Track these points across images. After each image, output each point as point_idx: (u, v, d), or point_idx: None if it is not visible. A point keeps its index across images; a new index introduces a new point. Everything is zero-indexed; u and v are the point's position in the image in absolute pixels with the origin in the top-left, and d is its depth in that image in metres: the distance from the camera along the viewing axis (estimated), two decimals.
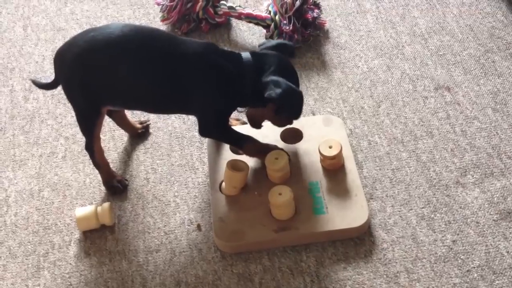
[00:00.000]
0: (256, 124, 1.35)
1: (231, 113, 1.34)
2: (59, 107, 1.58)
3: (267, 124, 1.46)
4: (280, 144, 1.40)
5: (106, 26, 1.29)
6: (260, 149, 1.33)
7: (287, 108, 1.27)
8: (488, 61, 1.60)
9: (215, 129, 1.31)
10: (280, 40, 1.43)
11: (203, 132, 1.30)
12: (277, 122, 1.35)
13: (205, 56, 1.25)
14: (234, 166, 1.30)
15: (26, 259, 1.30)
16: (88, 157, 1.39)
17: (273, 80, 1.22)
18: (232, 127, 1.37)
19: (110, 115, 1.45)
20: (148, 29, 1.35)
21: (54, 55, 1.31)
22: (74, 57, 1.25)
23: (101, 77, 1.24)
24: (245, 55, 1.28)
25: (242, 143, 1.32)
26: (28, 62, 1.73)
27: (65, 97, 1.34)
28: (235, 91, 1.26)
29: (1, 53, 1.78)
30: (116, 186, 1.38)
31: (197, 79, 1.24)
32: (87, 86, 1.26)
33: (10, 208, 1.39)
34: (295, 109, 1.28)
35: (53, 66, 1.33)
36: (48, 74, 1.67)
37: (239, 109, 1.41)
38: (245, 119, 1.41)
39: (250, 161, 1.34)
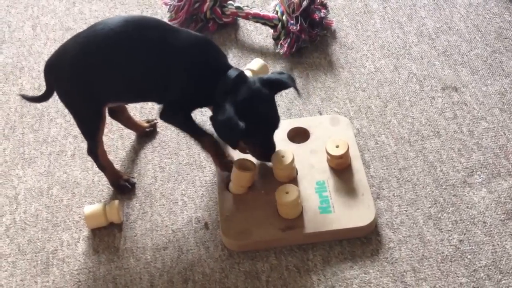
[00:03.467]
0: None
1: (196, 107, 1.32)
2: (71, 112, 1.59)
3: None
4: (287, 143, 1.41)
5: (96, 25, 1.28)
6: (216, 148, 1.32)
7: (223, 138, 1.25)
8: (495, 61, 1.60)
9: (179, 114, 1.29)
10: (281, 76, 1.29)
11: (166, 115, 1.29)
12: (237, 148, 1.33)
13: (192, 49, 1.24)
14: (241, 165, 1.30)
15: (35, 256, 1.31)
16: (94, 160, 1.39)
17: (226, 107, 1.20)
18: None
19: (115, 117, 1.46)
20: (139, 19, 1.32)
21: (44, 67, 1.30)
22: (69, 64, 1.25)
23: (99, 77, 1.25)
24: (232, 72, 1.24)
25: (201, 136, 1.30)
26: (37, 62, 1.74)
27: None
28: (204, 91, 1.25)
29: (11, 52, 1.79)
30: (123, 185, 1.39)
31: (178, 68, 1.23)
32: (86, 89, 1.26)
33: (19, 206, 1.41)
34: (227, 140, 1.26)
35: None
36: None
37: None
38: None
39: (258, 160, 1.35)
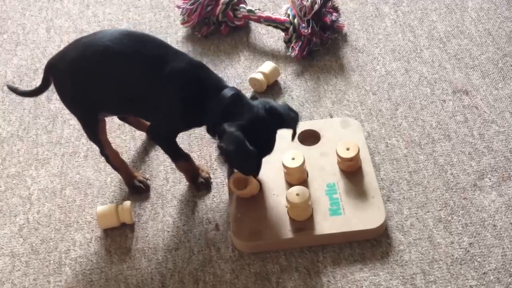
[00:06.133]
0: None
1: (184, 130, 1.37)
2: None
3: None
4: (298, 146, 1.41)
5: (97, 33, 1.29)
6: (191, 171, 1.37)
7: (237, 166, 1.25)
8: (506, 65, 1.60)
9: (162, 136, 1.32)
10: (288, 114, 1.24)
11: (152, 133, 1.33)
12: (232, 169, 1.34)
13: (184, 73, 1.23)
14: (238, 183, 1.31)
15: (48, 255, 1.33)
16: (106, 161, 1.41)
17: (232, 134, 1.16)
18: None
19: (124, 119, 1.49)
20: (137, 36, 1.29)
21: (45, 65, 1.32)
22: (66, 67, 1.27)
23: (93, 85, 1.26)
24: (226, 91, 1.21)
25: (177, 158, 1.35)
26: None
27: None
28: (195, 113, 1.24)
29: (25, 54, 1.81)
30: (138, 186, 1.40)
31: (169, 92, 1.23)
32: (81, 95, 1.27)
33: (33, 206, 1.42)
34: (246, 168, 1.24)
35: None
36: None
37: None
38: None
39: (269, 162, 1.36)
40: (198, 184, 1.39)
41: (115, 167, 1.41)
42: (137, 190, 1.41)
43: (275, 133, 1.23)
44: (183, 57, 1.26)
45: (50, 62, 1.31)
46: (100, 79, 1.25)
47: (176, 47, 1.74)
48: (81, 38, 1.31)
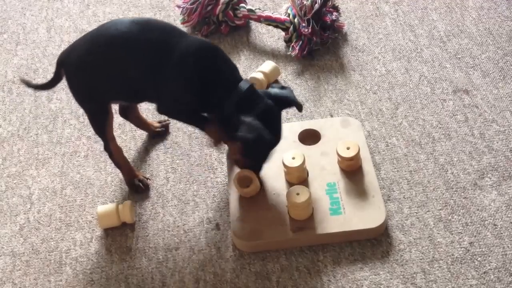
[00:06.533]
0: (238, 163, 1.33)
1: (196, 112, 1.30)
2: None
3: (285, 126, 1.48)
4: (298, 145, 1.41)
5: (104, 24, 1.30)
6: (219, 137, 1.29)
7: (254, 155, 1.26)
8: (506, 64, 1.60)
9: (177, 111, 1.29)
10: (287, 92, 1.30)
11: (164, 106, 1.28)
12: (240, 163, 1.32)
13: (198, 57, 1.23)
14: (241, 180, 1.30)
15: (48, 255, 1.33)
16: (109, 157, 1.42)
17: (251, 123, 1.20)
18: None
19: (126, 116, 1.48)
20: (146, 21, 1.29)
21: (57, 58, 1.33)
22: (75, 60, 1.28)
23: (102, 75, 1.27)
24: (243, 83, 1.24)
25: (205, 124, 1.28)
26: (52, 63, 1.76)
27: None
28: (209, 99, 1.23)
29: (25, 54, 1.82)
30: (137, 185, 1.41)
31: (180, 75, 1.22)
32: (91, 86, 1.29)
33: (33, 206, 1.43)
34: (261, 158, 1.27)
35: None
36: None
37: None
38: None
39: (269, 161, 1.36)
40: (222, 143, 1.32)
41: (117, 164, 1.41)
42: (136, 189, 1.41)
43: (281, 118, 1.28)
44: (195, 40, 1.28)
45: (61, 55, 1.32)
46: (108, 69, 1.26)
47: None
48: (90, 31, 1.32)
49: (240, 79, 1.26)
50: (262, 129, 1.21)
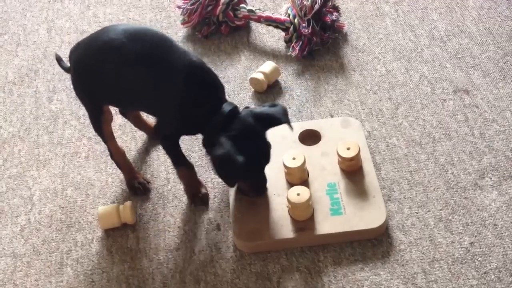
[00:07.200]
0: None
1: (185, 134, 1.36)
2: (82, 108, 1.61)
3: (285, 126, 1.48)
4: (299, 145, 1.42)
5: (104, 28, 1.33)
6: (191, 182, 1.35)
7: (226, 174, 1.22)
8: (507, 64, 1.60)
9: (163, 136, 1.32)
10: (275, 110, 1.26)
11: (156, 131, 1.35)
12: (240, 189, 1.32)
13: (186, 76, 1.23)
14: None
15: (49, 256, 1.33)
16: (109, 158, 1.42)
17: (222, 143, 1.18)
18: None
19: (125, 115, 1.50)
20: (138, 31, 1.29)
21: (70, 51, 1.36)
22: (75, 60, 1.32)
23: (94, 79, 1.29)
24: (226, 106, 1.24)
25: (179, 164, 1.33)
26: (52, 64, 1.76)
27: None
28: (195, 120, 1.24)
29: (26, 55, 1.82)
30: (136, 187, 1.41)
31: (172, 92, 1.23)
32: (87, 87, 1.32)
33: (34, 206, 1.43)
34: (227, 178, 1.23)
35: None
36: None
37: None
38: None
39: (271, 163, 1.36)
40: (196, 198, 1.36)
41: (117, 163, 1.42)
42: (135, 191, 1.41)
43: (265, 138, 1.24)
44: (184, 57, 1.26)
45: (72, 49, 1.35)
46: (100, 74, 1.28)
47: None
48: (94, 33, 1.34)
49: (224, 100, 1.25)
50: (230, 148, 1.17)
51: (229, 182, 1.25)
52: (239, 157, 1.17)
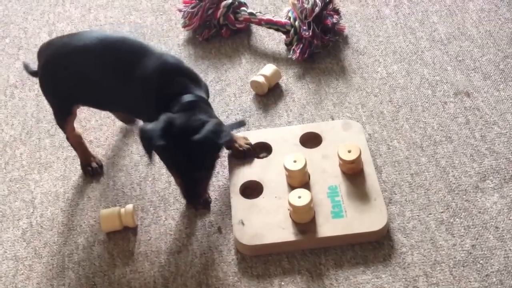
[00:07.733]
0: None
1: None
2: (83, 112, 1.62)
3: (286, 129, 1.48)
4: (300, 148, 1.42)
5: (79, 32, 1.38)
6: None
7: (141, 142, 1.20)
8: (507, 66, 1.60)
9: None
10: (210, 134, 1.17)
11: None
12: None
13: (160, 74, 1.23)
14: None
15: (51, 259, 1.33)
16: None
17: (160, 119, 1.16)
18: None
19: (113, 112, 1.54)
20: (116, 38, 1.31)
21: (38, 50, 1.38)
22: (46, 59, 1.34)
23: (65, 81, 1.31)
24: (187, 96, 1.21)
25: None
26: None
27: None
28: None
29: (27, 58, 1.82)
30: (87, 170, 1.46)
31: (146, 91, 1.24)
32: (56, 87, 1.34)
33: (36, 210, 1.43)
34: (146, 150, 1.19)
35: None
36: None
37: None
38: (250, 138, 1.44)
39: (270, 165, 1.36)
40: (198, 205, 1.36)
41: (73, 146, 1.47)
42: (86, 172, 1.46)
43: (193, 147, 1.16)
44: (159, 57, 1.26)
45: (39, 49, 1.38)
46: (71, 77, 1.30)
47: (178, 51, 1.76)
48: (67, 34, 1.39)
49: (187, 92, 1.21)
50: (158, 128, 1.14)
51: (147, 153, 1.19)
52: (161, 141, 1.13)
